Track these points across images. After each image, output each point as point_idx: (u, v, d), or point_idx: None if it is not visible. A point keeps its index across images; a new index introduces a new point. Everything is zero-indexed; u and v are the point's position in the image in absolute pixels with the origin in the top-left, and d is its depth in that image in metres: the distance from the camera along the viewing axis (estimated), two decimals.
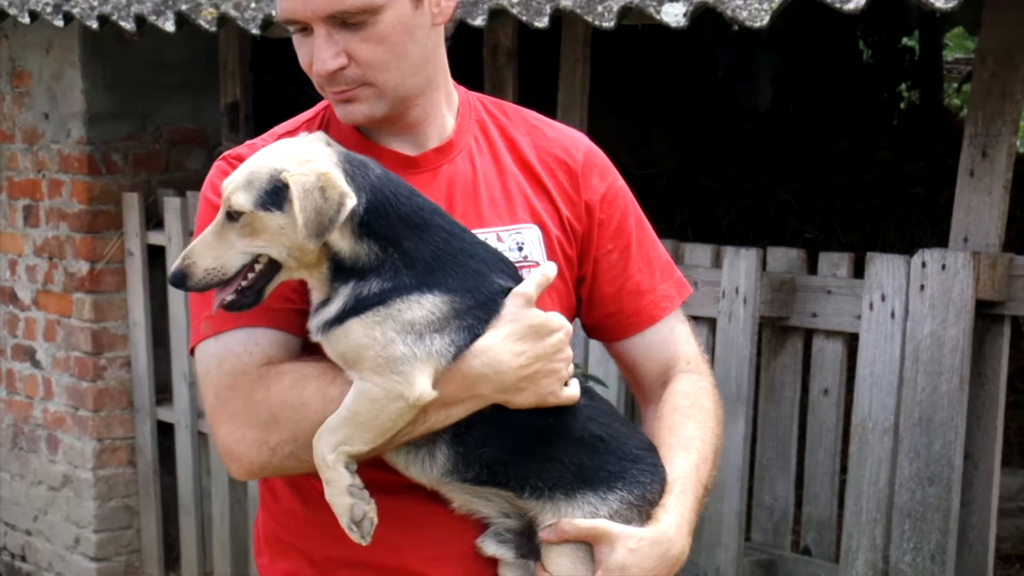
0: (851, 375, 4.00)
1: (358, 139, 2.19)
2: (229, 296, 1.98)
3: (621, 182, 2.33)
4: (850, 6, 3.31)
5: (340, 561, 2.16)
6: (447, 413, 2.00)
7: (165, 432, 5.93)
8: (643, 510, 2.10)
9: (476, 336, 1.99)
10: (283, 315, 2.06)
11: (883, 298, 3.78)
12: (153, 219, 5.77)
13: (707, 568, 4.11)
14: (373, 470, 2.02)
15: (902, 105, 9.89)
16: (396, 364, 1.93)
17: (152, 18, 4.85)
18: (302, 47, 2.09)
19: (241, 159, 2.12)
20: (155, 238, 5.75)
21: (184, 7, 4.78)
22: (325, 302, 2.00)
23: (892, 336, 3.77)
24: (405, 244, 1.98)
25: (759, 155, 7.96)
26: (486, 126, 2.27)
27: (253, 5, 4.63)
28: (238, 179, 1.96)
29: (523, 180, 2.24)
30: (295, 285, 2.05)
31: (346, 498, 1.97)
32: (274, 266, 1.98)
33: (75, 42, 5.65)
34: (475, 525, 2.15)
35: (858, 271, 3.96)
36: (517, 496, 2.09)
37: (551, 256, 2.21)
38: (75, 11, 5.10)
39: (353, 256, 1.97)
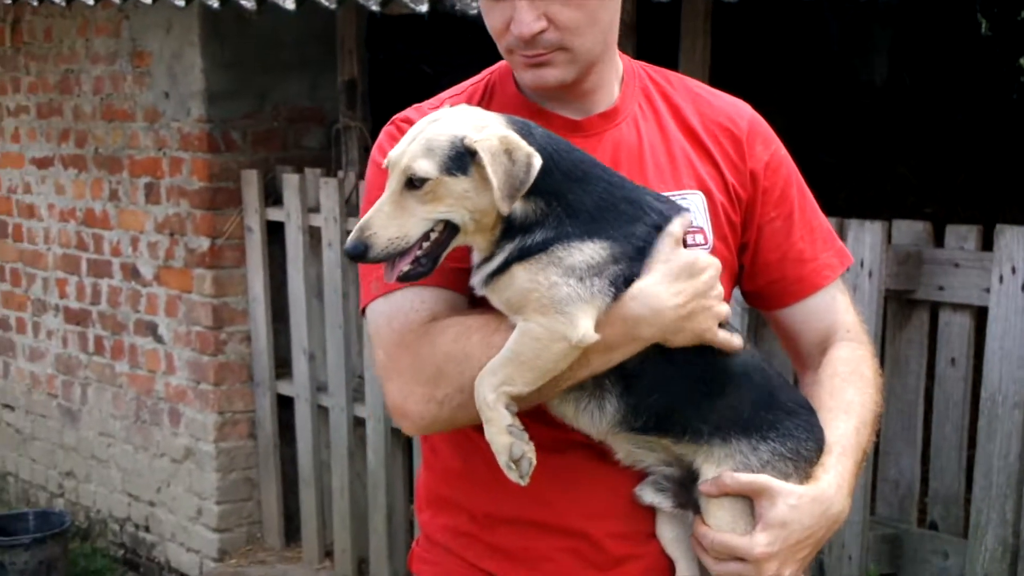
0: (978, 349, 3.95)
1: (524, 103, 2.21)
2: (406, 266, 1.99)
3: (784, 151, 2.34)
4: None
5: (499, 517, 2.19)
6: (608, 357, 2.01)
7: (285, 405, 6.02)
8: (798, 465, 2.11)
9: (632, 281, 2.01)
10: (448, 274, 2.08)
11: (1013, 271, 3.73)
12: (272, 196, 5.85)
13: (832, 541, 4.07)
14: (534, 426, 2.03)
15: (1022, 79, 9.68)
16: (560, 304, 1.95)
17: None
18: (493, 11, 2.11)
19: (410, 122, 2.16)
20: (274, 214, 5.83)
21: None
22: (487, 259, 2.03)
23: (1022, 309, 3.71)
24: (569, 197, 2.01)
25: (876, 130, 7.86)
26: (650, 93, 2.29)
27: None
28: (415, 147, 1.97)
29: (688, 146, 2.26)
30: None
31: (506, 437, 1.98)
32: (451, 232, 2.00)
33: (195, 22, 5.73)
34: (632, 482, 2.17)
35: (986, 244, 3.90)
36: (676, 440, 2.10)
37: (715, 222, 2.22)
38: None
39: (522, 214, 2.00)
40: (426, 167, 1.95)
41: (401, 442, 5.58)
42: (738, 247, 2.30)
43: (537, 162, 1.96)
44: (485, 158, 1.93)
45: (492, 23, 2.12)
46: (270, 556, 6.11)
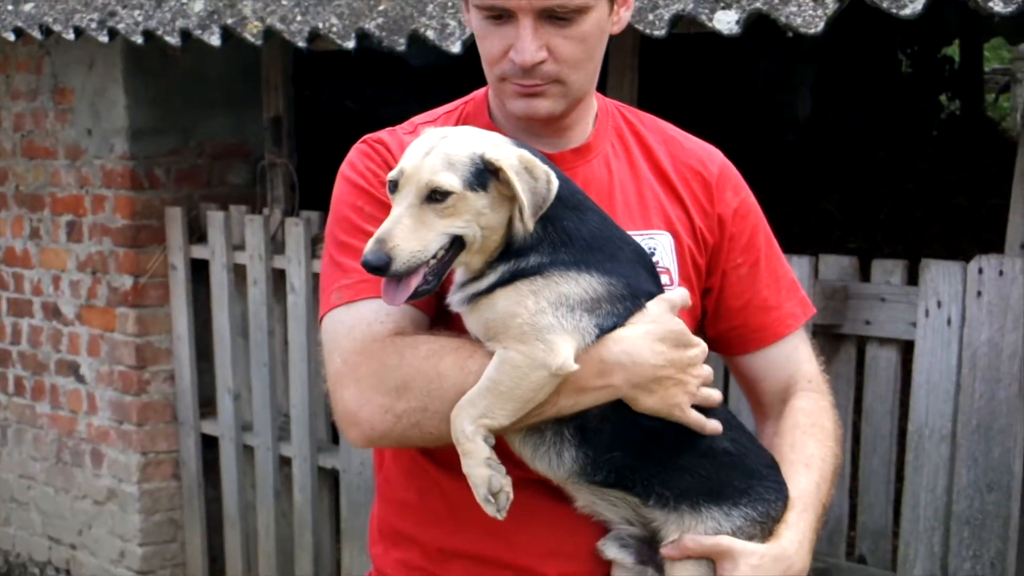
0: (904, 383, 3.97)
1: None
2: (416, 283, 1.94)
3: (752, 198, 2.35)
4: (906, 12, 3.28)
5: (453, 553, 2.17)
6: (577, 399, 1.99)
7: (209, 445, 5.94)
8: (766, 526, 2.10)
9: (619, 326, 1.99)
10: None
11: (939, 304, 3.75)
12: (196, 233, 5.78)
13: None
14: None
15: (942, 115, 9.84)
16: (542, 332, 1.93)
17: (198, 33, 4.85)
18: (492, 36, 2.09)
19: (383, 143, 2.16)
20: (198, 252, 5.77)
21: (229, 21, 4.78)
22: (475, 278, 2.00)
23: (949, 343, 3.74)
24: (564, 223, 2.00)
25: (800, 166, 7.93)
26: (623, 132, 2.29)
27: (299, 18, 4.63)
28: (434, 161, 1.94)
29: (658, 187, 2.26)
30: None
31: (484, 470, 1.94)
32: (457, 249, 1.96)
33: (118, 58, 5.66)
34: (591, 525, 2.15)
35: (911, 279, 3.93)
36: (643, 503, 2.08)
37: (681, 264, 2.22)
38: (120, 27, 5.10)
39: (521, 237, 1.98)
40: (451, 181, 1.92)
41: (328, 481, 5.53)
42: (702, 291, 2.29)
43: (555, 180, 1.96)
44: (511, 175, 1.92)
45: (489, 48, 2.11)
46: None
